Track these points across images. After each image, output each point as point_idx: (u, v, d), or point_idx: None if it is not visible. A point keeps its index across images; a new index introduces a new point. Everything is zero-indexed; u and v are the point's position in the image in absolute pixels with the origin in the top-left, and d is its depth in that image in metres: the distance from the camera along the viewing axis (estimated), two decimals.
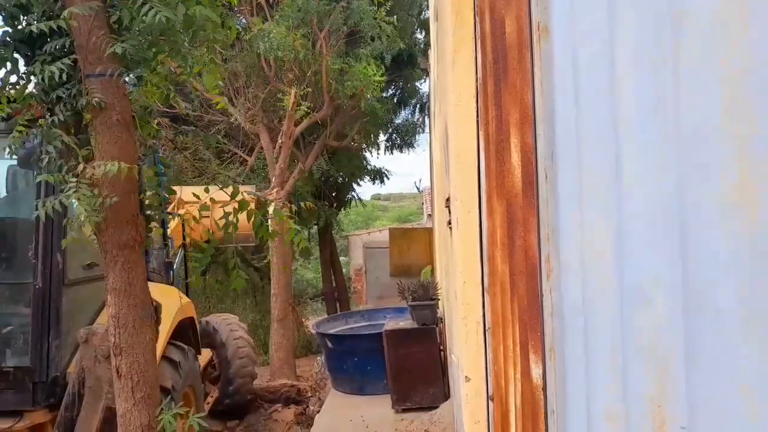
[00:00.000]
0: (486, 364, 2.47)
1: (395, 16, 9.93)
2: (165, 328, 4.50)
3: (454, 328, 3.61)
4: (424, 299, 5.88)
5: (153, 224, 3.73)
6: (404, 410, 5.76)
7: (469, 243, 2.58)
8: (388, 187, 58.55)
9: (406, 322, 6.03)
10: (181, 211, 5.49)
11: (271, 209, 4.31)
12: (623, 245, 0.99)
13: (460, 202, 2.70)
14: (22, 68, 3.19)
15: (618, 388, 1.03)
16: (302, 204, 4.12)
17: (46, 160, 3.15)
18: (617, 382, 1.03)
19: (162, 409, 3.35)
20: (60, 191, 3.09)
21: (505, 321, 1.93)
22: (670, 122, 0.94)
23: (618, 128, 1.01)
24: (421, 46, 12.57)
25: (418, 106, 14.42)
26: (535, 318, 1.50)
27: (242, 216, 3.75)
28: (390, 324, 6.10)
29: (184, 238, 6.72)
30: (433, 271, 10.28)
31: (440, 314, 6.06)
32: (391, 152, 14.82)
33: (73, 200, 3.02)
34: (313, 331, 8.48)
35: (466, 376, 2.78)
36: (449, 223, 3.61)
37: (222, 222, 3.72)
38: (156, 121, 3.72)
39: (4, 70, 3.13)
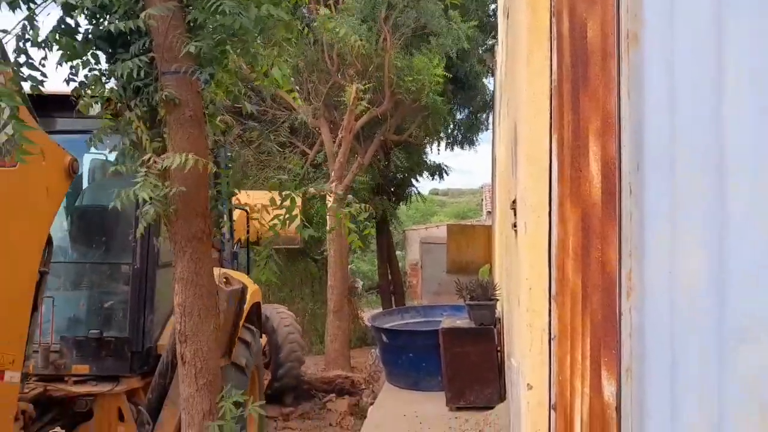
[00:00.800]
0: (549, 373, 2.41)
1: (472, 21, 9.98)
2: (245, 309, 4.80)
3: (516, 333, 3.55)
4: (483, 299, 5.81)
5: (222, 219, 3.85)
6: (458, 408, 5.73)
7: (536, 249, 2.52)
8: (447, 183, 58.34)
9: (463, 321, 5.98)
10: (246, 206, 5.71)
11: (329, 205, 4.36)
12: (725, 278, 0.93)
13: (528, 206, 2.64)
14: (103, 65, 3.32)
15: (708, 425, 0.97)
16: (359, 206, 4.13)
17: (120, 152, 3.31)
18: (709, 421, 0.97)
19: (223, 396, 3.44)
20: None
21: (574, 332, 1.87)
22: None
23: (724, 156, 0.94)
24: (486, 46, 12.38)
25: (481, 103, 14.21)
26: (610, 335, 1.45)
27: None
28: (447, 322, 6.07)
29: (247, 232, 6.93)
30: (491, 270, 10.15)
31: (498, 315, 5.98)
32: (452, 149, 14.73)
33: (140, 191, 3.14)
34: (369, 325, 8.54)
35: (528, 384, 2.73)
36: (514, 225, 3.53)
37: (271, 223, 3.82)
38: (224, 118, 3.81)
39: (87, 69, 3.28)
